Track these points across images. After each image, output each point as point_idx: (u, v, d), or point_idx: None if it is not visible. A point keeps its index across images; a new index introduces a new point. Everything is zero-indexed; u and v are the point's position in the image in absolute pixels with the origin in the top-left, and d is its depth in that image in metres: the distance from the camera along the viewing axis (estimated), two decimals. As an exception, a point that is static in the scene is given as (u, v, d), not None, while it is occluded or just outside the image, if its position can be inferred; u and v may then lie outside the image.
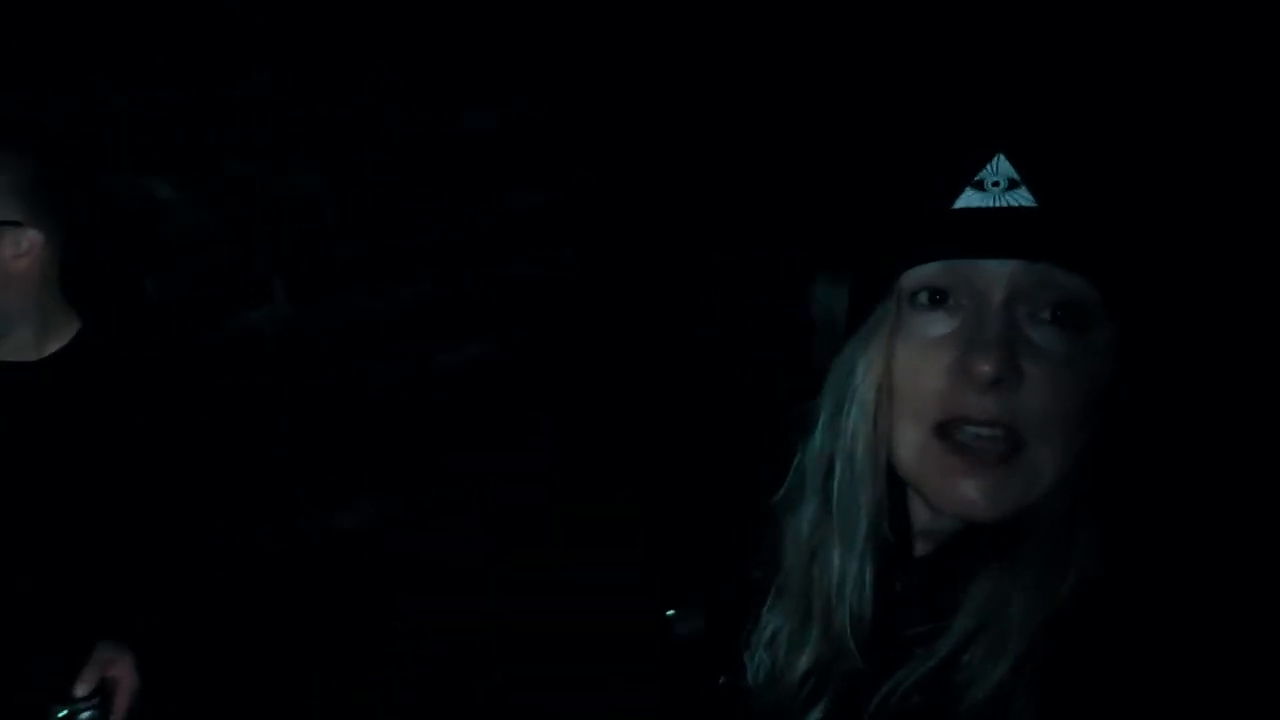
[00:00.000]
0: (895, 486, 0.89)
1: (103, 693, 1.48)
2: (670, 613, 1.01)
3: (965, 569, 0.84)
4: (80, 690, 1.47)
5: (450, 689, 2.44)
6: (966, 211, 0.82)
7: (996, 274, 0.81)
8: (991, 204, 0.82)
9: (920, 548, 0.90)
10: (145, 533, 1.69)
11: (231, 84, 2.42)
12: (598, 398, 2.80)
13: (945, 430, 0.82)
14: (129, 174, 2.33)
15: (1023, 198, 0.81)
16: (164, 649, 1.60)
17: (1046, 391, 0.79)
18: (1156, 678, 0.75)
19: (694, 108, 2.83)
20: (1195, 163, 1.97)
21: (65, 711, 1.45)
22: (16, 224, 1.69)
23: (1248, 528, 0.84)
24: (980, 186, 0.82)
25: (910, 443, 0.84)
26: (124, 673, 1.53)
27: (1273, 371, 1.72)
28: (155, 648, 1.59)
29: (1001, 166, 0.82)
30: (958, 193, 0.83)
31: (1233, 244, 1.96)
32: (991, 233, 0.81)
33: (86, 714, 1.46)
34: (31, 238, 1.71)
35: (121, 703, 1.51)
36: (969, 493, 0.81)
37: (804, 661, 0.91)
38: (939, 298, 0.83)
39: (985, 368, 0.78)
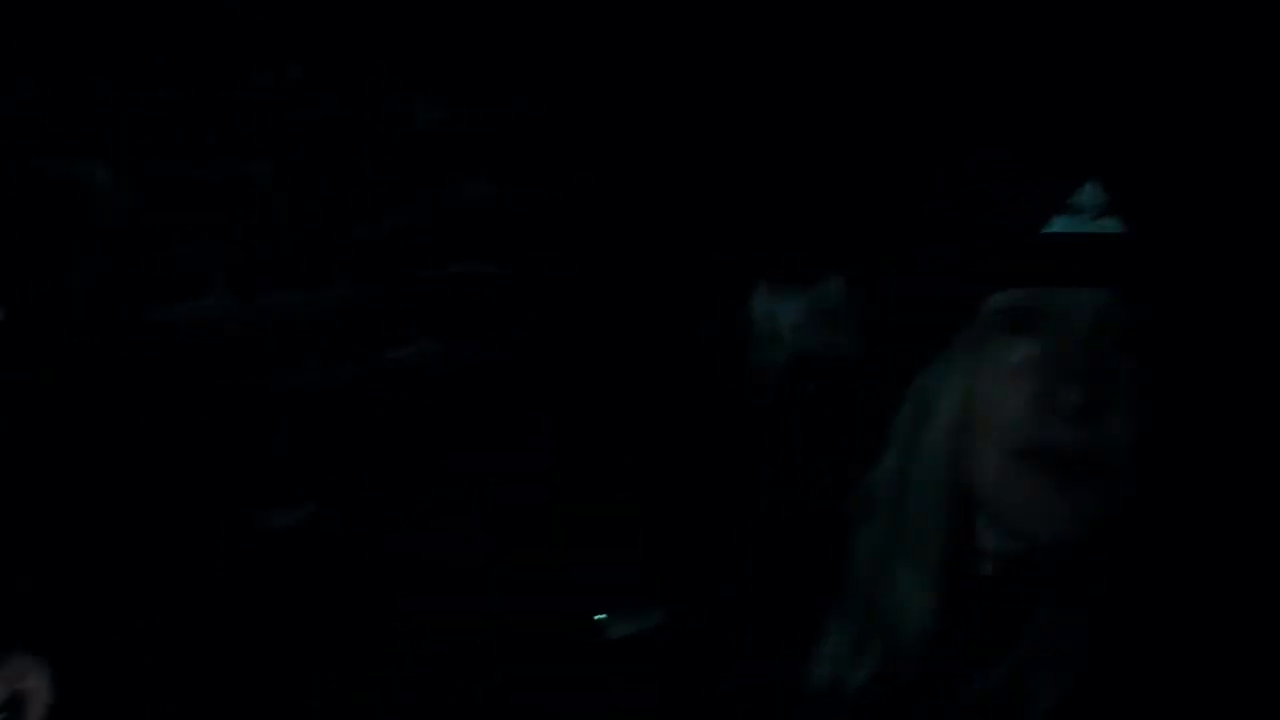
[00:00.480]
0: (969, 509, 0.89)
1: (13, 708, 1.42)
2: (600, 616, 1.01)
3: (1032, 591, 0.84)
4: None
5: (450, 689, 2.44)
6: (1057, 236, 0.83)
7: (1085, 302, 0.81)
8: (1083, 230, 0.82)
9: (987, 569, 0.90)
10: (62, 531, 1.66)
11: (181, 73, 2.40)
12: (597, 398, 2.80)
13: (1026, 456, 0.82)
14: (62, 158, 2.27)
15: (1114, 225, 0.82)
16: (84, 660, 1.55)
17: (1128, 420, 0.79)
18: (1223, 700, 0.75)
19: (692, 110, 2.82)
20: None
21: None
22: None
23: None
24: (1071, 212, 0.83)
25: (989, 467, 0.84)
26: (38, 685, 1.46)
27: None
28: (74, 659, 1.52)
29: (1094, 192, 0.83)
30: (1048, 218, 0.83)
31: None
32: (1082, 260, 0.82)
33: None
34: None
35: (35, 715, 1.44)
36: (1048, 517, 0.81)
37: (861, 676, 0.91)
38: (1024, 324, 0.83)
39: (1071, 397, 0.79)
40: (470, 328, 2.74)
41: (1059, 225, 0.83)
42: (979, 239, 0.89)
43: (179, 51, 2.39)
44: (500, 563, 2.62)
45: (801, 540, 1.02)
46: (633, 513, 2.64)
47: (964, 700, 0.83)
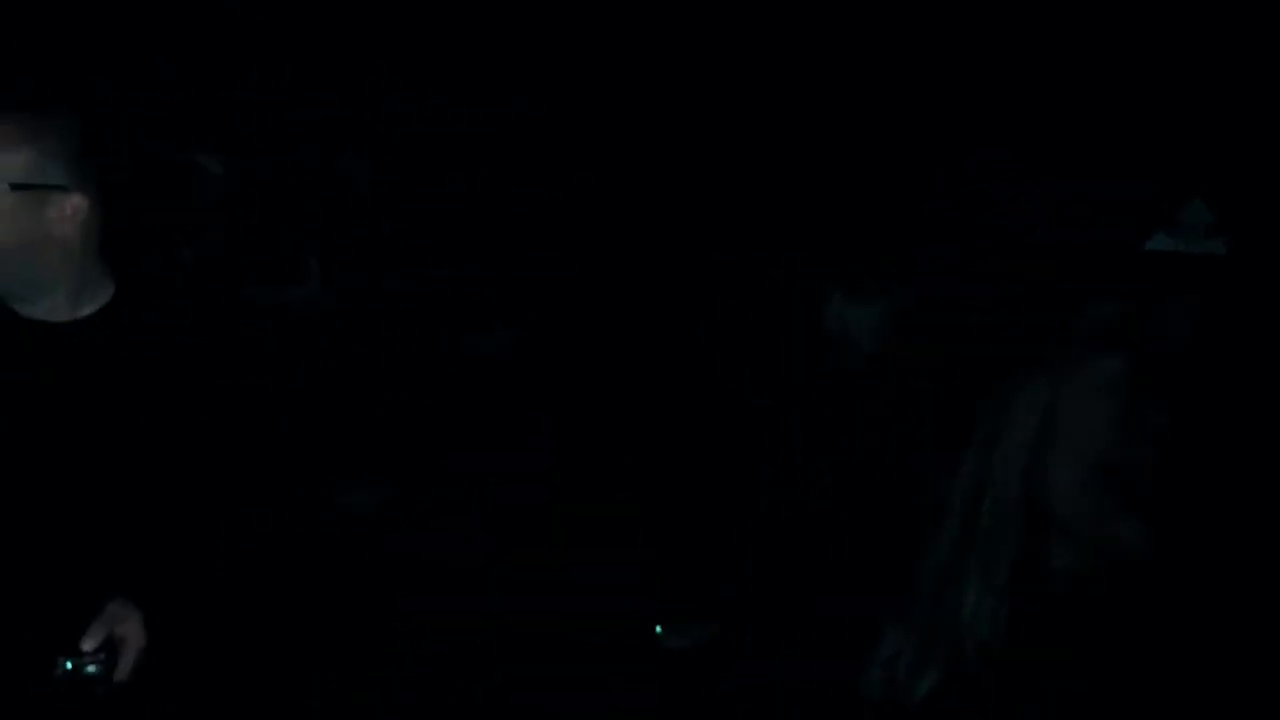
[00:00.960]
0: (1041, 524, 0.89)
1: (109, 648, 1.51)
2: (659, 629, 1.00)
3: (1104, 610, 0.84)
4: (87, 645, 1.49)
5: (450, 689, 2.44)
6: (1159, 254, 0.83)
7: (1182, 320, 0.82)
8: (1185, 249, 0.83)
9: (1056, 586, 0.90)
10: (164, 497, 1.70)
11: (279, 67, 2.48)
12: (598, 398, 2.80)
13: (1109, 471, 0.82)
14: (179, 146, 2.37)
15: (1217, 246, 0.82)
16: (172, 611, 1.62)
17: (1213, 440, 0.81)
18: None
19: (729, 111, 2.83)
20: None
21: (71, 664, 1.48)
22: (61, 188, 1.71)
23: None
24: (1174, 229, 0.84)
25: (1069, 482, 0.84)
26: (131, 630, 1.54)
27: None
28: (164, 609, 1.60)
29: (1200, 211, 0.84)
30: (1150, 234, 0.84)
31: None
32: (1182, 277, 0.82)
33: (92, 668, 1.49)
34: (75, 202, 1.72)
35: (127, 659, 1.53)
36: (1129, 536, 0.81)
37: (926, 684, 0.91)
38: (1115, 340, 0.84)
39: (1161, 418, 0.79)
40: (546, 318, 2.78)
41: (1159, 243, 0.83)
42: (1069, 248, 0.89)
43: (284, 57, 2.48)
44: (500, 563, 2.62)
45: (802, 541, 1.02)
46: (632, 513, 2.64)
47: (1030, 714, 0.83)
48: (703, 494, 2.48)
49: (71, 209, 1.72)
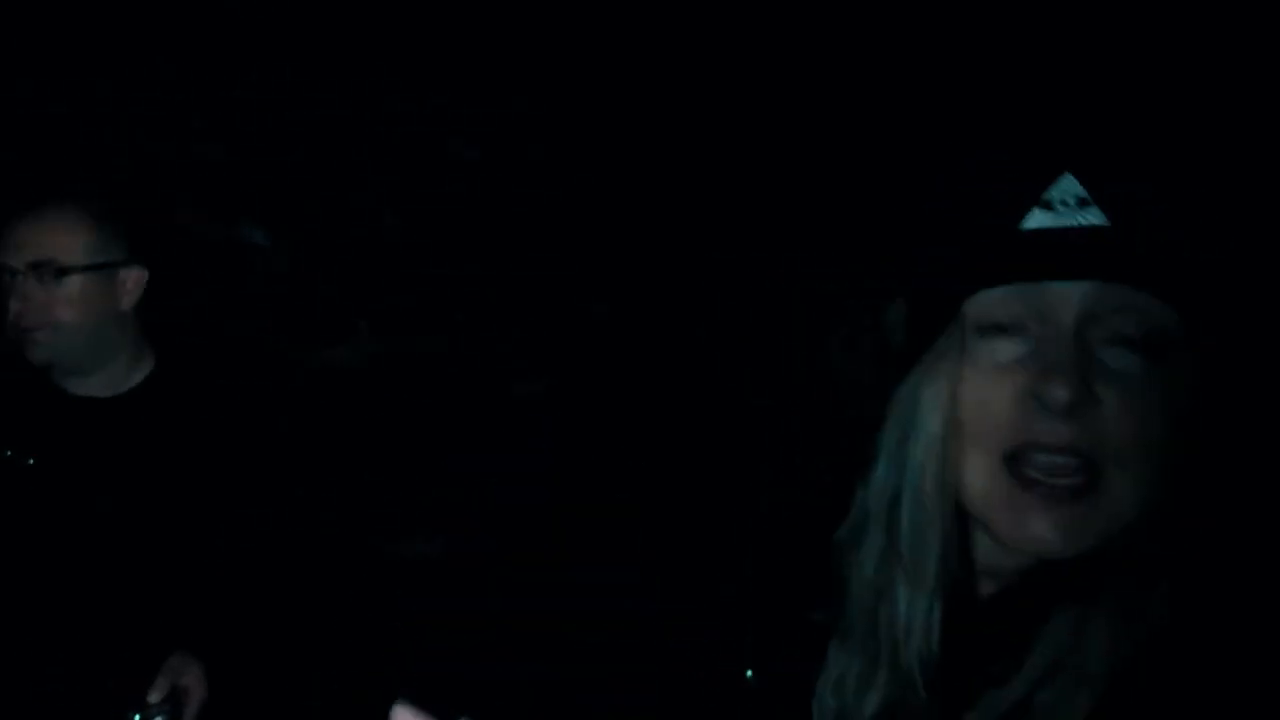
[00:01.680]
0: (961, 522, 0.85)
1: (174, 700, 1.59)
2: (749, 674, 0.97)
3: (1039, 608, 0.81)
4: (153, 697, 1.57)
5: (450, 689, 2.44)
6: (1035, 233, 0.79)
7: (1069, 296, 0.77)
8: (1061, 224, 0.79)
9: (986, 585, 0.86)
10: (216, 558, 1.77)
11: (311, 129, 2.49)
12: (598, 398, 2.80)
13: (1016, 461, 0.78)
14: (223, 218, 2.41)
15: (1094, 216, 0.78)
16: (231, 663, 1.69)
17: (1124, 418, 0.76)
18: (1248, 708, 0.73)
19: (713, 113, 2.83)
20: (1273, 178, 1.93)
21: (139, 716, 1.56)
22: (128, 263, 1.83)
23: None
24: (1048, 206, 0.79)
25: (980, 475, 0.81)
26: (194, 682, 1.62)
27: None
28: (223, 661, 1.68)
29: (1070, 185, 0.79)
30: (1024, 213, 0.80)
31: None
32: (1063, 254, 0.78)
33: (158, 719, 1.57)
34: (136, 275, 1.84)
35: (191, 709, 1.62)
36: (1042, 529, 0.77)
37: (872, 704, 0.87)
38: (1008, 323, 0.80)
39: (1060, 393, 0.75)
40: (582, 364, 2.80)
41: (1036, 220, 0.80)
42: (954, 238, 0.85)
43: (322, 115, 2.52)
44: (500, 563, 2.62)
45: (801, 542, 0.99)
46: (633, 513, 2.64)
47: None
48: (703, 494, 2.48)
49: (133, 282, 1.83)
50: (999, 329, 0.80)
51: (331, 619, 1.92)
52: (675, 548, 2.51)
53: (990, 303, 0.81)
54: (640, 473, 2.68)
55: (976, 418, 0.81)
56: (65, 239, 1.77)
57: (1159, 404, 0.76)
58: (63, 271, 1.75)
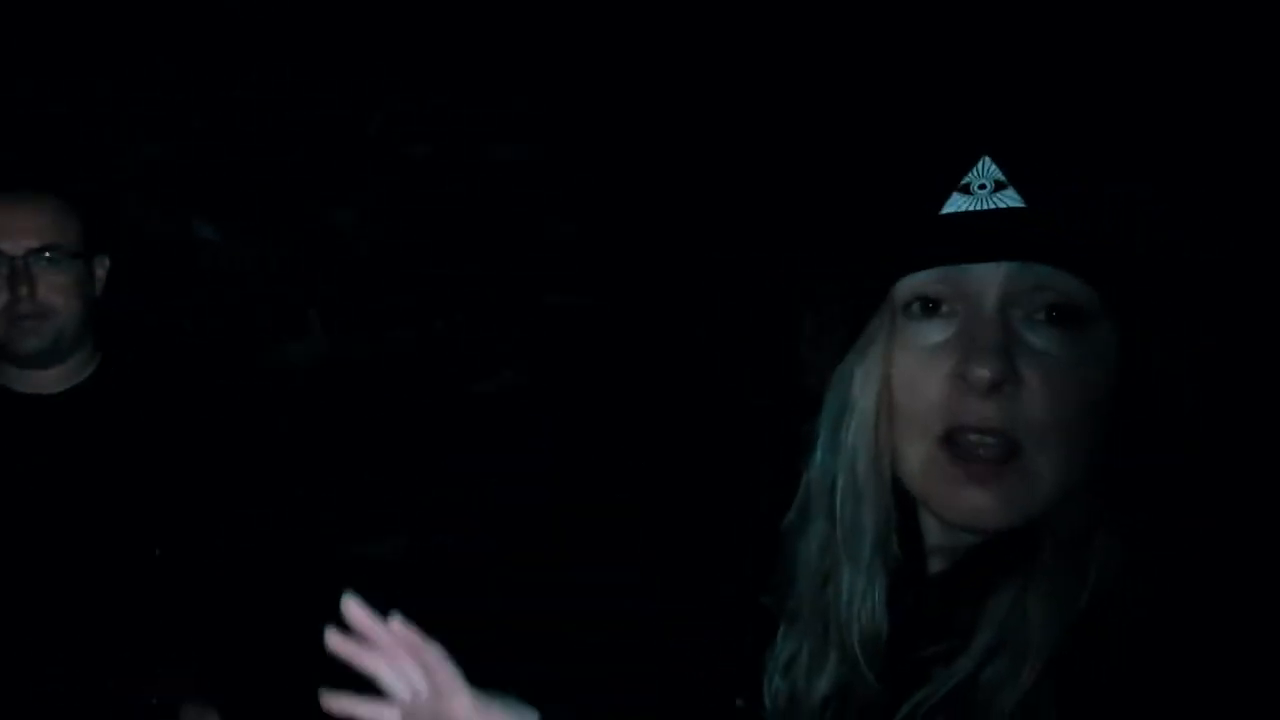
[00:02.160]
0: (906, 503, 0.87)
1: None
2: (739, 702, 0.98)
3: (981, 584, 0.82)
4: None
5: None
6: (954, 216, 0.82)
7: (989, 278, 0.80)
8: (979, 207, 0.81)
9: (935, 565, 0.88)
10: (177, 554, 1.75)
11: (267, 122, 2.46)
12: (598, 398, 2.80)
13: (948, 439, 0.81)
14: (172, 211, 2.39)
15: (1010, 199, 0.80)
16: (241, 706, 1.70)
17: (1046, 394, 0.78)
18: (1179, 683, 0.74)
19: (698, 120, 2.83)
20: (1185, 157, 1.97)
21: None
22: (100, 252, 1.84)
23: (1260, 530, 0.83)
24: (967, 191, 0.82)
25: (914, 454, 0.83)
26: None
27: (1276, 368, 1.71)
28: (235, 706, 1.69)
29: (988, 169, 0.82)
30: (945, 198, 0.82)
31: (1230, 238, 1.96)
32: (980, 236, 0.80)
33: None
34: (104, 265, 1.85)
35: None
36: (975, 500, 0.80)
37: (823, 686, 0.89)
38: (933, 306, 0.82)
39: (983, 373, 0.77)
40: (554, 360, 2.78)
41: (955, 204, 0.82)
42: (880, 225, 0.88)
43: (270, 104, 2.48)
44: (500, 563, 2.62)
45: (747, 535, 1.01)
46: (633, 513, 2.64)
47: (929, 702, 0.81)
48: (702, 494, 2.48)
49: (103, 271, 1.83)
50: (925, 312, 0.83)
51: (288, 620, 1.90)
52: (675, 548, 2.52)
53: (915, 287, 0.83)
54: (640, 473, 2.68)
55: (907, 400, 0.83)
56: (64, 225, 1.76)
57: (1080, 378, 0.79)
58: (65, 258, 1.75)
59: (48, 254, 1.73)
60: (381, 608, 0.97)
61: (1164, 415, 0.83)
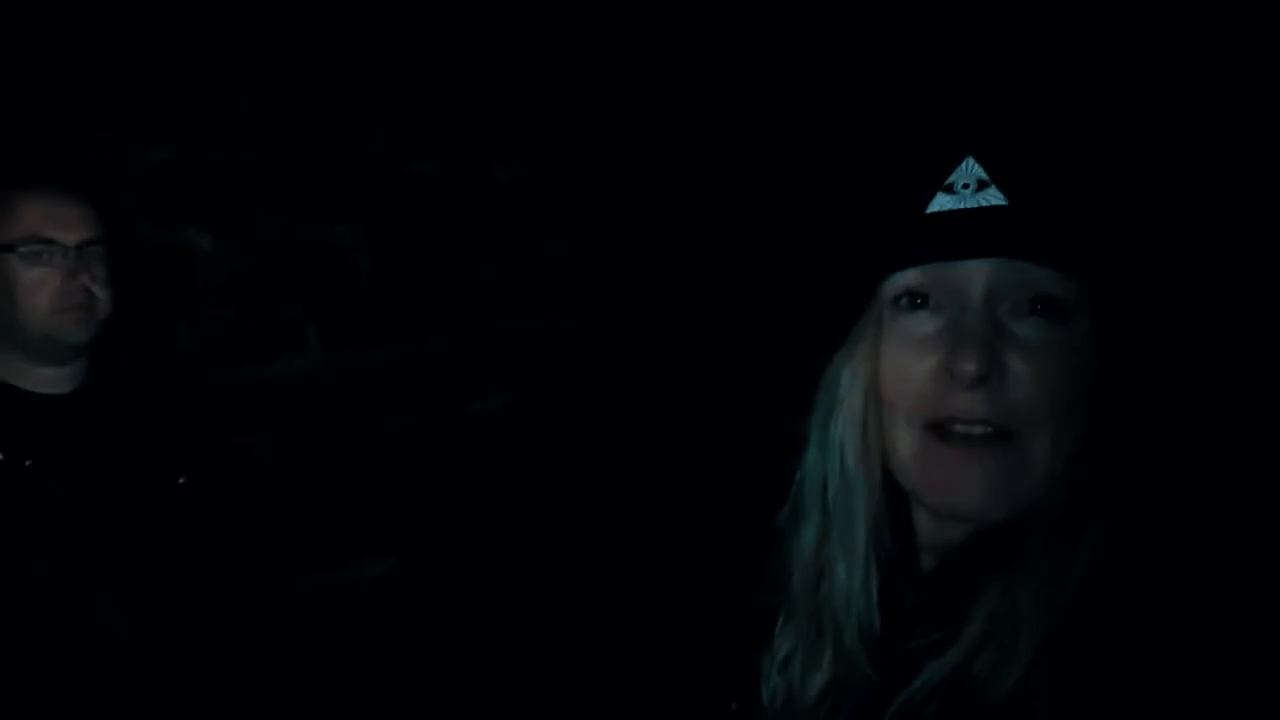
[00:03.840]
0: (897, 498, 0.89)
1: None
2: (733, 706, 1.00)
3: (972, 577, 0.83)
4: None
5: (450, 688, 2.44)
6: (940, 215, 0.84)
7: (974, 274, 0.82)
8: (963, 206, 0.83)
9: (927, 559, 0.90)
10: (173, 553, 1.76)
11: (267, 138, 2.45)
12: (599, 399, 2.80)
13: (937, 427, 0.82)
14: (167, 223, 2.36)
15: (994, 197, 0.82)
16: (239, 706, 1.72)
17: (1032, 382, 0.80)
18: (1170, 672, 0.75)
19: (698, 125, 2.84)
20: (1166, 152, 1.99)
21: None
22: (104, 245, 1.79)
23: (1251, 519, 0.84)
24: (951, 190, 0.84)
25: (904, 447, 0.85)
26: None
27: (1263, 360, 1.73)
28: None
29: (971, 169, 0.84)
30: (930, 198, 0.84)
31: (1213, 232, 1.97)
32: (965, 234, 0.82)
33: None
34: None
35: None
36: (965, 491, 0.81)
37: (819, 681, 0.91)
38: (920, 301, 0.84)
39: (969, 366, 0.79)
40: (546, 380, 2.78)
41: (940, 203, 0.84)
42: (866, 224, 0.90)
43: (269, 117, 2.46)
44: (500, 562, 2.62)
45: (747, 536, 1.02)
46: (633, 513, 2.64)
47: (922, 692, 0.82)
48: (702, 494, 2.48)
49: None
50: (912, 307, 0.85)
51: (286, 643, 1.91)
52: (675, 548, 2.52)
53: (902, 283, 0.85)
54: (640, 474, 2.68)
55: (896, 392, 0.85)
56: (104, 218, 1.79)
57: (1065, 369, 0.81)
58: (108, 251, 1.78)
59: (98, 246, 1.75)
60: (373, 626, 0.98)
61: (1148, 406, 0.84)
